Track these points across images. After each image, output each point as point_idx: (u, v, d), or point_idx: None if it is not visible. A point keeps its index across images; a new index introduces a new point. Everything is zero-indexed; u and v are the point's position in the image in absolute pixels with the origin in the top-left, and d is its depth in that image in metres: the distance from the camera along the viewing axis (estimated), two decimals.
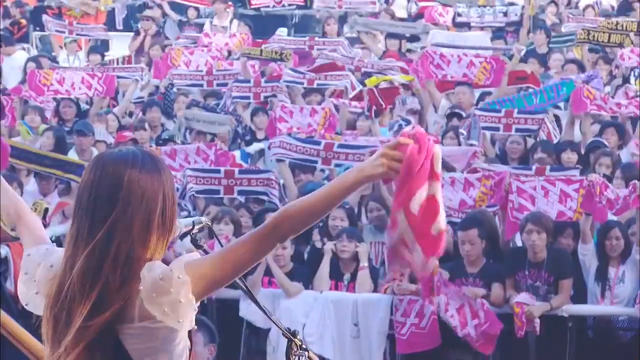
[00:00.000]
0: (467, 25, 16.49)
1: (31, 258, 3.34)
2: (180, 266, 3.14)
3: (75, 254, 3.16)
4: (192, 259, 3.19)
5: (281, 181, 10.22)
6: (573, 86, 11.99)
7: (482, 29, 16.85)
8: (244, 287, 3.55)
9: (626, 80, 13.80)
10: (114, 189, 3.15)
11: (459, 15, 16.44)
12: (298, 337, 3.53)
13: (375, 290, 8.90)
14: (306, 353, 3.53)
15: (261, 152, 12.37)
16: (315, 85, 13.61)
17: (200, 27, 19.24)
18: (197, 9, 19.87)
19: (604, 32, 14.20)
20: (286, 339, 3.56)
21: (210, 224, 3.74)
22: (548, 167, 9.73)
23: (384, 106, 11.61)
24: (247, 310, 8.61)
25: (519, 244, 9.12)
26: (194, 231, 3.64)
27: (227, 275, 3.21)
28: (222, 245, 4.09)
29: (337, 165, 10.35)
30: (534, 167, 9.48)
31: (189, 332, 3.23)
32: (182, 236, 3.69)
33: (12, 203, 3.66)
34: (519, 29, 16.93)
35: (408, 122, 11.77)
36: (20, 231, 3.61)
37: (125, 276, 3.12)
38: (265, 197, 10.04)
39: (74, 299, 3.13)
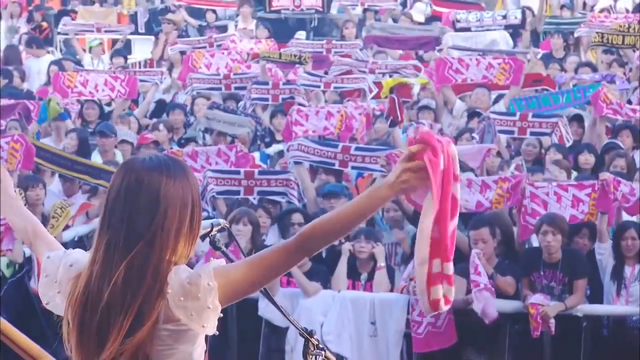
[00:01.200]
0: (467, 30, 16.49)
1: (51, 260, 3.36)
2: (209, 272, 3.14)
3: (109, 263, 3.16)
4: (220, 265, 3.20)
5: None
6: (597, 87, 12.01)
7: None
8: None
9: None
10: (152, 201, 3.16)
11: (458, 21, 16.44)
12: (315, 336, 3.53)
13: (392, 289, 8.90)
14: (323, 353, 3.53)
15: (280, 154, 12.36)
16: (332, 89, 13.66)
17: (220, 29, 19.25)
18: (214, 11, 19.89)
19: (617, 35, 14.07)
20: (303, 339, 3.57)
21: (228, 225, 3.74)
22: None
23: (400, 118, 11.60)
24: (266, 309, 8.62)
25: (535, 244, 9.11)
26: (213, 233, 3.65)
27: (254, 284, 3.22)
28: (240, 247, 4.12)
29: (353, 168, 10.34)
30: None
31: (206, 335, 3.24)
32: (202, 237, 3.70)
33: (30, 223, 3.72)
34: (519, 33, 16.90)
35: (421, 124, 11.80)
36: (37, 246, 3.65)
37: (162, 284, 3.14)
38: (280, 199, 10.04)
39: (112, 309, 3.13)
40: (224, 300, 3.16)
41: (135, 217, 3.16)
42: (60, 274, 3.30)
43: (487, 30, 16.26)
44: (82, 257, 3.29)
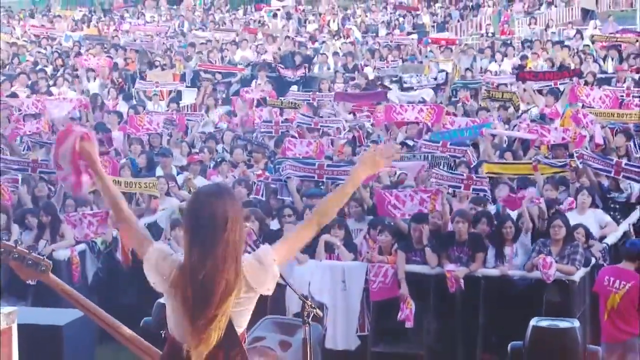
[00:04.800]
0: (411, 89, 16.84)
1: (151, 257, 3.35)
2: (270, 251, 3.27)
3: (203, 255, 3.18)
4: (272, 247, 3.31)
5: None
6: (489, 126, 12.16)
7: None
8: None
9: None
10: (225, 212, 3.21)
11: (405, 82, 16.80)
12: (309, 300, 3.55)
13: (355, 259, 8.86)
14: (314, 310, 3.54)
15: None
16: (319, 126, 13.69)
17: (225, 84, 19.24)
18: (220, 73, 19.90)
19: (498, 92, 14.96)
20: (300, 300, 3.56)
21: (252, 226, 3.75)
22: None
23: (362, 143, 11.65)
24: None
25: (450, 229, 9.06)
26: None
27: (291, 253, 3.37)
28: (257, 237, 4.13)
29: (327, 179, 10.26)
30: None
31: None
32: None
33: (146, 240, 3.44)
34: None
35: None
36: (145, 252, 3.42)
37: (238, 265, 3.20)
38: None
39: (209, 285, 3.15)
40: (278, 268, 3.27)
41: (216, 226, 3.19)
42: (164, 265, 3.29)
43: (426, 87, 16.65)
44: (174, 254, 3.32)
